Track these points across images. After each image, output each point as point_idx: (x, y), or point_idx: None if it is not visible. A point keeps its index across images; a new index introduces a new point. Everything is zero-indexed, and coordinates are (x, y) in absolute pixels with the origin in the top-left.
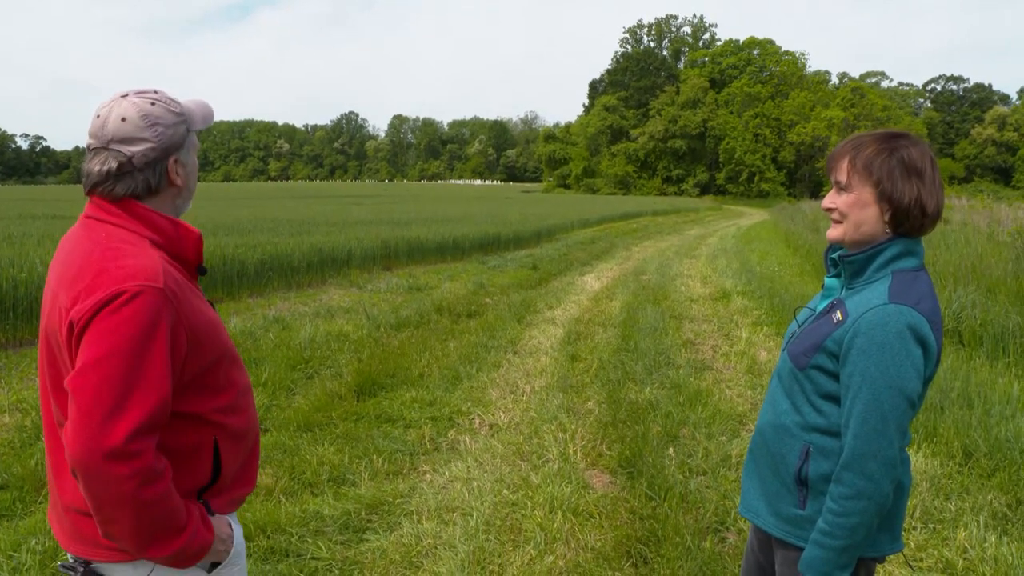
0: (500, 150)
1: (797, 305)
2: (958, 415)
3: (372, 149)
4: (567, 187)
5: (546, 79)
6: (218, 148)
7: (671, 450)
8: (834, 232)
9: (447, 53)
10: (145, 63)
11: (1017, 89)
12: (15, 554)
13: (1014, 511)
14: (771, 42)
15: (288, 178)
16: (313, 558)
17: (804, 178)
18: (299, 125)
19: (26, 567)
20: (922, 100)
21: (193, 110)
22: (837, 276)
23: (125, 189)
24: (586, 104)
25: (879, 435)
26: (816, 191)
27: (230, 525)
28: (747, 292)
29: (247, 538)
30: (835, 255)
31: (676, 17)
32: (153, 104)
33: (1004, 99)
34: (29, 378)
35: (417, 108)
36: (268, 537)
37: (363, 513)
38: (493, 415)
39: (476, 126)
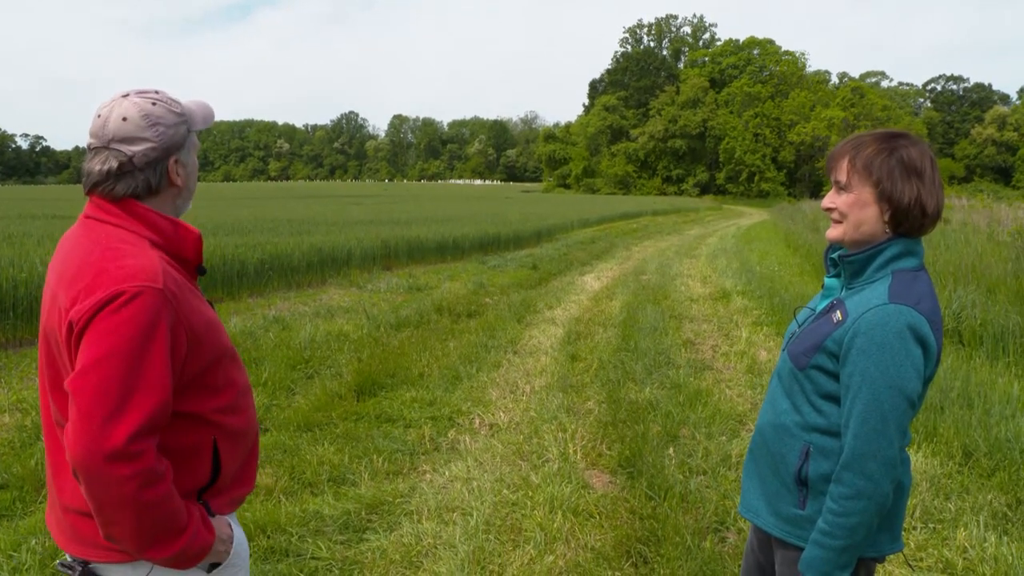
0: (500, 150)
1: (797, 305)
2: (958, 415)
3: (372, 149)
4: (567, 187)
5: (546, 79)
6: (218, 148)
7: (671, 450)
8: (834, 232)
9: (447, 53)
10: (145, 63)
11: (1017, 89)
12: (15, 554)
13: (1014, 511)
14: (771, 42)
15: (288, 178)
16: (313, 558)
17: (804, 178)
18: (299, 125)
19: (26, 567)
20: (922, 100)
21: (194, 110)
22: (837, 276)
23: (125, 189)
24: (586, 104)
25: (879, 435)
26: (816, 191)
27: (230, 526)
28: (747, 292)
29: (247, 538)
30: (835, 255)
31: (676, 17)
32: (154, 104)
33: (1004, 99)
34: (29, 378)
35: (417, 108)
36: (268, 537)
37: (363, 513)
38: (493, 415)
39: (476, 126)
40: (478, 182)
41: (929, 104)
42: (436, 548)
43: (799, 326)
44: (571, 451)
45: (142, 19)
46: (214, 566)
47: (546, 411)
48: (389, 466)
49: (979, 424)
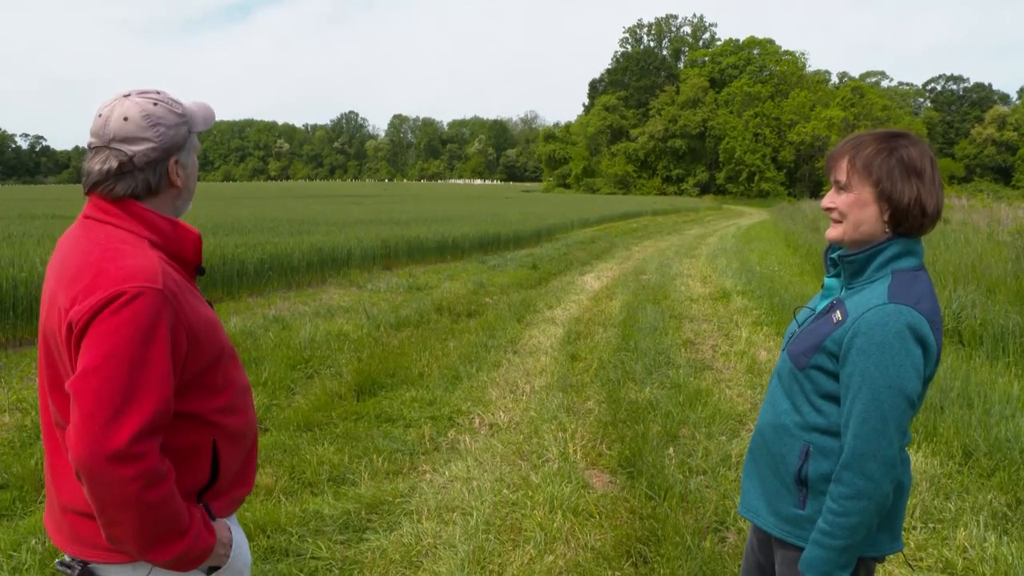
0: (500, 150)
1: (797, 305)
2: (958, 415)
3: (372, 149)
4: (567, 187)
5: (546, 79)
6: (218, 148)
7: (671, 450)
8: (833, 232)
9: (447, 52)
10: (145, 63)
11: (1017, 89)
12: (15, 554)
13: (1014, 511)
14: (771, 42)
15: (288, 178)
16: (313, 558)
17: (804, 178)
18: (299, 125)
19: (26, 567)
20: (922, 100)
21: (195, 111)
22: (837, 276)
23: (125, 189)
24: (586, 104)
25: (879, 435)
26: (816, 191)
27: (229, 530)
28: (747, 292)
29: (247, 538)
30: (835, 255)
31: (676, 17)
32: (155, 104)
33: (1004, 99)
34: (29, 378)
35: (417, 108)
36: (268, 537)
37: (363, 513)
38: (493, 415)
39: (476, 126)
40: (478, 182)
41: (929, 104)
42: (436, 548)
43: (799, 326)
44: (571, 451)
45: (142, 19)
46: (213, 569)
47: (546, 411)
48: (389, 466)
49: (979, 424)
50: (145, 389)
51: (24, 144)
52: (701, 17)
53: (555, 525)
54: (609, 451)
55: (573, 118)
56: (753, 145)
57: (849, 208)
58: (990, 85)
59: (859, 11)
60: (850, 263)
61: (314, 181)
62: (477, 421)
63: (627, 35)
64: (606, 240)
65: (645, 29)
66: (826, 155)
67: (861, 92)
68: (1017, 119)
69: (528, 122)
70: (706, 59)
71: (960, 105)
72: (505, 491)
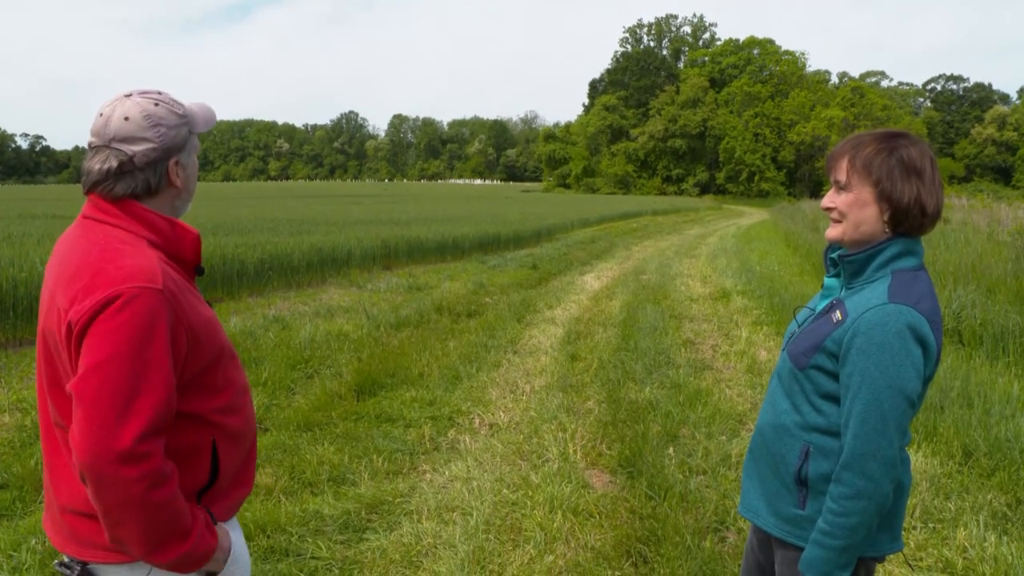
0: (500, 150)
1: (797, 305)
2: (958, 415)
3: (372, 149)
4: (567, 187)
5: (546, 79)
6: (218, 147)
7: (671, 450)
8: (833, 232)
9: (447, 52)
10: (145, 63)
11: (1017, 89)
12: (15, 554)
13: (1014, 511)
14: (771, 42)
15: (288, 178)
16: (313, 557)
17: (804, 178)
18: (299, 125)
19: (26, 567)
20: (922, 100)
21: (196, 112)
22: (837, 276)
23: (125, 189)
24: (586, 104)
25: (879, 435)
26: (816, 191)
27: (228, 535)
28: (747, 292)
29: (247, 538)
30: (835, 255)
31: (676, 17)
32: (156, 105)
33: (1004, 99)
34: (29, 378)
35: (417, 107)
36: (268, 537)
37: (363, 512)
38: (493, 415)
39: (476, 126)
40: (478, 182)
41: (929, 104)
42: (436, 548)
43: (799, 326)
44: (571, 451)
45: (142, 19)
46: (211, 574)
47: (546, 411)
48: (389, 466)
49: (979, 424)
50: (148, 389)
51: (24, 144)
52: (701, 17)
53: (555, 525)
54: (609, 451)
55: (573, 118)
56: (753, 145)
57: (849, 208)
58: (990, 85)
59: (859, 11)
60: (850, 263)
61: (314, 181)
62: (477, 421)
63: (627, 35)
64: (606, 240)
65: (645, 29)
66: (826, 155)
67: (861, 92)
68: (1017, 119)
69: (528, 122)
70: (706, 59)
71: (960, 105)
72: (505, 491)
